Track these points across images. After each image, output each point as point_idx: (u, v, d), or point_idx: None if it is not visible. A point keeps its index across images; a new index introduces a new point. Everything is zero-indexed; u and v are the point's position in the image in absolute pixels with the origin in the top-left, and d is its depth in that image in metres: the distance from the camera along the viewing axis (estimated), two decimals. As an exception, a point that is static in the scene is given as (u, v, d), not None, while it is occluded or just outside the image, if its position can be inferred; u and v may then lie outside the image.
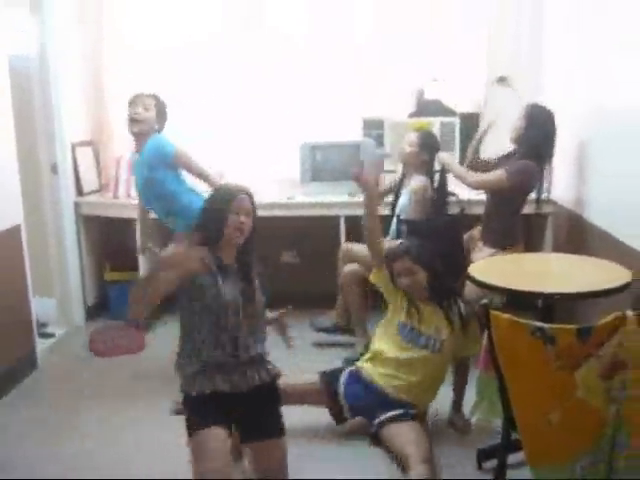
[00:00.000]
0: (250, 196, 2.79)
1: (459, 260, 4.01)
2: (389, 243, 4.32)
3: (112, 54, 5.28)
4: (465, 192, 4.48)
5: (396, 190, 4.46)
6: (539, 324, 2.24)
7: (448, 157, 4.39)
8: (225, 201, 2.74)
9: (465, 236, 4.38)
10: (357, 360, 3.63)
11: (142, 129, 3.89)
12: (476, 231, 4.39)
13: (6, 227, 4.10)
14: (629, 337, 2.24)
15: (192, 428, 2.66)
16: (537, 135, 4.00)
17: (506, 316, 2.27)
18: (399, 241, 4.05)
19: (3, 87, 4.18)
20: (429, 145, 4.35)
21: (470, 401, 2.90)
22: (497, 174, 4.01)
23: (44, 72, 4.75)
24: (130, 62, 5.25)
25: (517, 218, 4.18)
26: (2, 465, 3.26)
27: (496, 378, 2.43)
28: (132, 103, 3.93)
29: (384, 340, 3.46)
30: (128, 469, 3.20)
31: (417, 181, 4.28)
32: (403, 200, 4.32)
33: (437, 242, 3.99)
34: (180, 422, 2.77)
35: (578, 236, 4.19)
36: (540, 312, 3.03)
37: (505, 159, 4.21)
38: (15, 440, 3.49)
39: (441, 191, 4.35)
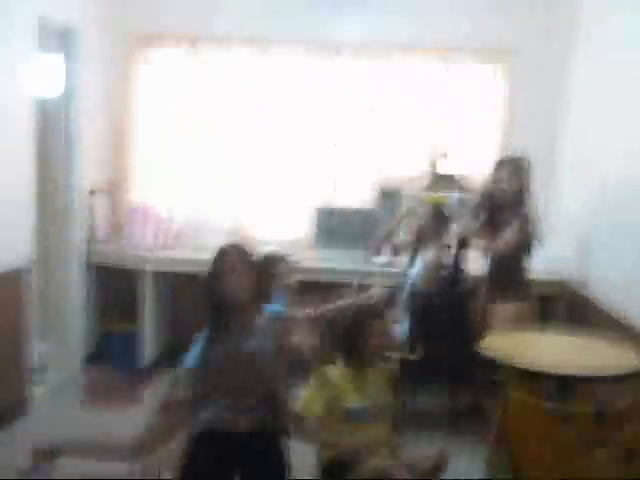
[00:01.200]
0: None
1: (467, 334, 3.98)
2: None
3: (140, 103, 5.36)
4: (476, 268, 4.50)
5: (409, 262, 4.51)
6: (555, 406, 2.20)
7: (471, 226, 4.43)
8: None
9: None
10: None
11: None
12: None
13: (13, 268, 4.09)
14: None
15: None
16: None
17: (522, 395, 2.23)
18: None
19: (28, 129, 4.25)
20: (442, 220, 4.41)
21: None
22: (515, 229, 4.06)
23: (67, 115, 4.81)
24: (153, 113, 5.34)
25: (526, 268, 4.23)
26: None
27: (507, 455, 2.38)
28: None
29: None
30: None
31: (430, 253, 4.33)
32: (415, 272, 4.34)
33: (447, 315, 4.02)
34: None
35: (587, 317, 4.17)
36: (557, 390, 2.96)
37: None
38: None
39: (456, 266, 4.35)
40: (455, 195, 4.99)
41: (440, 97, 5.24)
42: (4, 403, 4.10)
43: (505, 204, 4.20)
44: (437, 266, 4.38)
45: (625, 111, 3.91)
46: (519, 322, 3.86)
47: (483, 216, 4.38)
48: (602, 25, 4.50)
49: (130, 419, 4.25)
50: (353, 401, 2.88)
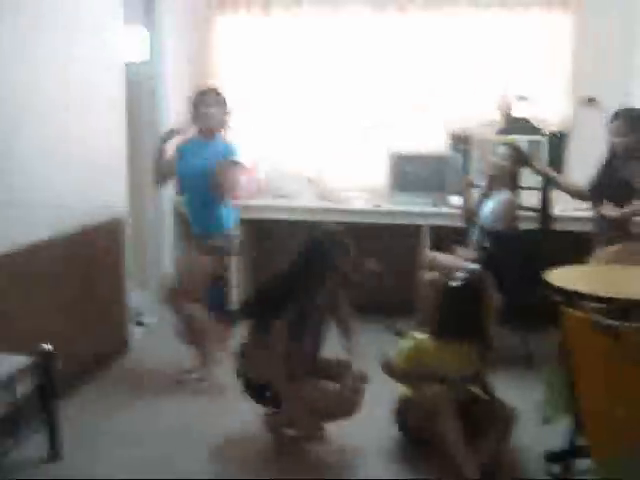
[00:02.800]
0: None
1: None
2: (466, 253, 4.49)
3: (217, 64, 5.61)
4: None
5: (480, 201, 4.61)
6: (604, 319, 2.34)
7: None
8: None
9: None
10: None
11: None
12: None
13: (110, 218, 4.45)
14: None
15: None
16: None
17: (574, 311, 2.38)
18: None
19: (120, 95, 4.58)
20: (519, 159, 4.50)
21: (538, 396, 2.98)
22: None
23: (153, 80, 5.16)
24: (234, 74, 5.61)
25: None
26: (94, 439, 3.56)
27: (565, 374, 2.54)
28: None
29: None
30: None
31: (504, 194, 4.44)
32: (487, 211, 4.46)
33: (521, 256, 4.12)
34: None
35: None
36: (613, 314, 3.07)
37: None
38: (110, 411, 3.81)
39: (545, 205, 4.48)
40: (529, 138, 5.08)
41: (509, 44, 5.27)
42: (108, 343, 4.50)
43: (624, 158, 4.04)
44: (513, 205, 4.48)
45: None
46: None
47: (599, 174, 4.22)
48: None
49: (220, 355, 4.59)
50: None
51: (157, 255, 5.36)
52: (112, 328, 4.57)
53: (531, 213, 4.72)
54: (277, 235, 5.48)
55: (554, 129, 5.21)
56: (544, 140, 5.09)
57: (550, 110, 5.25)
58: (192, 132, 4.24)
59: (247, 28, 5.56)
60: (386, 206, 5.13)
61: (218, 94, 4.19)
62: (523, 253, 4.43)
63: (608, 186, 4.13)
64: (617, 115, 4.09)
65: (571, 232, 4.69)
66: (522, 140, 5.03)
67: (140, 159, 5.09)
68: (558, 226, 4.75)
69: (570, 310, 2.36)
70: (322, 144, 5.58)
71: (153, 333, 5.09)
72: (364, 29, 5.43)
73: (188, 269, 4.27)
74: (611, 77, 5.10)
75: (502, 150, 4.52)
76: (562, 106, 5.23)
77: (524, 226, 4.60)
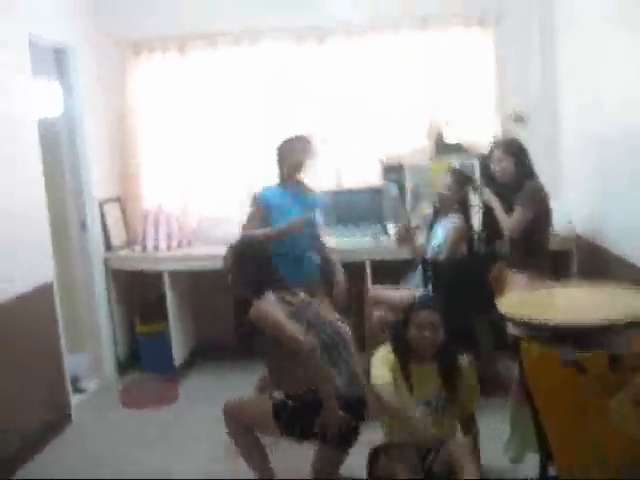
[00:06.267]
0: None
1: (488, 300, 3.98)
2: (405, 292, 4.39)
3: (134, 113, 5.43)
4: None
5: (428, 230, 4.54)
6: (568, 354, 2.26)
7: (492, 197, 4.39)
8: None
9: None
10: None
11: None
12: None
13: (38, 284, 4.20)
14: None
15: None
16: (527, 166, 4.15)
17: (537, 347, 2.29)
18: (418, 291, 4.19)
19: (34, 150, 4.35)
20: (466, 183, 4.46)
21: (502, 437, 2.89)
22: (519, 212, 4.05)
23: (71, 133, 4.92)
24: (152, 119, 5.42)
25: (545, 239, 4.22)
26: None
27: (529, 410, 2.45)
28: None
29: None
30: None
31: (456, 220, 4.35)
32: (437, 241, 4.37)
33: (466, 284, 4.05)
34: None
35: (603, 269, 4.19)
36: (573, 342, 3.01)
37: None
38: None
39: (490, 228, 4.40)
40: (460, 161, 5.05)
41: (431, 67, 5.21)
42: (48, 416, 4.23)
43: (505, 185, 4.20)
44: (459, 233, 4.36)
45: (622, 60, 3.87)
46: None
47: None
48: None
49: (168, 418, 4.38)
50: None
51: (90, 316, 5.10)
52: (51, 399, 4.32)
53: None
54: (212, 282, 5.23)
55: (484, 151, 5.17)
56: (475, 162, 5.06)
57: (479, 131, 5.21)
58: None
59: (163, 69, 5.39)
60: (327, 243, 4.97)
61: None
62: (469, 279, 4.34)
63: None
64: (496, 145, 4.32)
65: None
66: (454, 164, 5.03)
67: (64, 221, 4.87)
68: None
69: (532, 346, 2.26)
70: (246, 183, 5.34)
71: (95, 399, 4.85)
72: (284, 62, 5.30)
73: None
74: (536, 93, 5.11)
75: (446, 179, 4.45)
76: (490, 126, 5.19)
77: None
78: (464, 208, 4.43)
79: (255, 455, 3.17)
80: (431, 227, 4.53)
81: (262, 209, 4.18)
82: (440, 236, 4.37)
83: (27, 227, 4.18)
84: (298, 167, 4.22)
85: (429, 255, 4.41)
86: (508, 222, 4.12)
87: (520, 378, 2.44)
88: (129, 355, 5.40)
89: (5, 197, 3.96)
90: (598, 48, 4.17)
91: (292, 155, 4.20)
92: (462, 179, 4.46)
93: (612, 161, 4.09)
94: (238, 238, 3.77)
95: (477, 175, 4.97)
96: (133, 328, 5.35)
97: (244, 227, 4.21)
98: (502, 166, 4.19)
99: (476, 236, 4.49)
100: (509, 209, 4.15)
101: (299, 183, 4.31)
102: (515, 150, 4.20)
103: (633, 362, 2.25)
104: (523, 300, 3.43)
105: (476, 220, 4.56)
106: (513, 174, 4.16)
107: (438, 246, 4.34)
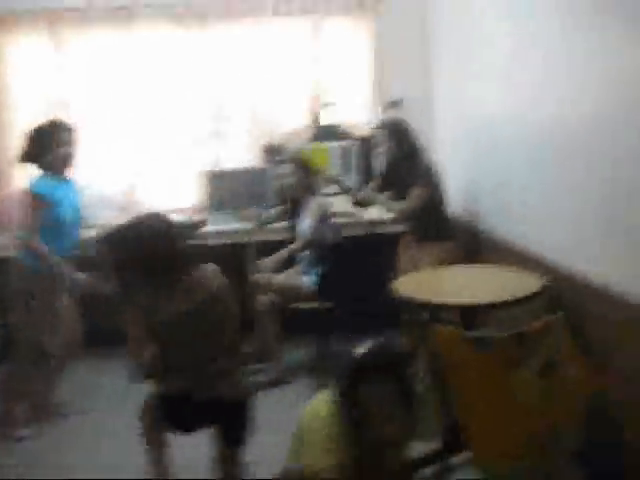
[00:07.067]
0: None
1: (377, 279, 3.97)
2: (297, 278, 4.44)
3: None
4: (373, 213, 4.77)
5: (290, 222, 4.61)
6: (478, 334, 2.37)
7: (369, 195, 4.60)
8: None
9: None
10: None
11: None
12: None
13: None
14: (558, 337, 2.42)
15: None
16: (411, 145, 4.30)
17: (449, 329, 2.39)
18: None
19: None
20: (306, 168, 4.56)
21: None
22: (416, 194, 4.18)
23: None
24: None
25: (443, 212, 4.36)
26: None
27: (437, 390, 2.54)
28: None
29: None
30: None
31: (315, 202, 4.46)
32: (304, 226, 4.44)
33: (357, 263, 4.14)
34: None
35: (484, 251, 4.37)
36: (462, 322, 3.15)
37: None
38: None
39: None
40: (339, 143, 5.14)
41: (309, 53, 5.27)
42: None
43: (394, 167, 4.34)
44: (324, 215, 4.48)
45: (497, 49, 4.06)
46: (447, 260, 4.03)
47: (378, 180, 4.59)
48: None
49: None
50: None
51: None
52: None
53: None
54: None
55: (363, 134, 5.29)
56: (355, 145, 5.16)
57: (358, 115, 5.31)
58: None
59: (33, 46, 5.09)
60: (209, 227, 4.91)
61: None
62: (352, 260, 4.44)
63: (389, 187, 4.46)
64: (382, 125, 4.47)
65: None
66: (333, 146, 5.12)
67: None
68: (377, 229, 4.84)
69: (442, 328, 2.35)
70: (136, 165, 5.23)
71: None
72: (163, 45, 5.17)
73: None
74: (412, 79, 5.26)
75: (287, 168, 4.53)
76: (369, 111, 5.31)
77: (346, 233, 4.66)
78: (316, 190, 4.56)
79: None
80: (293, 216, 4.61)
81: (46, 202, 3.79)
82: (306, 220, 4.45)
83: None
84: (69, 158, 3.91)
85: (302, 238, 4.46)
86: (403, 204, 4.22)
87: (429, 360, 2.50)
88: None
89: None
90: (473, 38, 4.36)
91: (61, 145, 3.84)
92: (302, 166, 4.55)
93: (482, 151, 4.31)
94: None
95: (354, 159, 5.11)
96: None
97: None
98: (386, 147, 4.32)
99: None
100: (398, 189, 4.30)
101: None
102: (397, 130, 4.33)
103: (533, 337, 2.40)
104: (418, 281, 3.58)
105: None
106: (396, 154, 4.29)
107: (305, 230, 4.43)
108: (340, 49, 5.29)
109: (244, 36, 5.21)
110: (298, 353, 4.74)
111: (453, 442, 2.63)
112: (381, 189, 4.58)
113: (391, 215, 4.56)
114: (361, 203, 4.82)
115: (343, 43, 5.28)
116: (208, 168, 5.17)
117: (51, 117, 4.01)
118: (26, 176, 4.77)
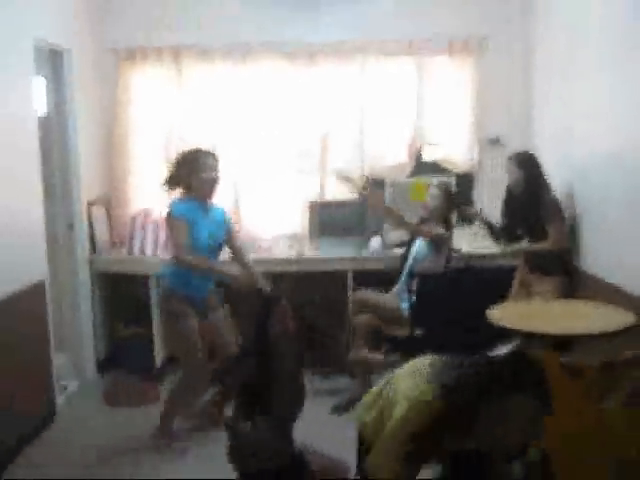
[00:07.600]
0: None
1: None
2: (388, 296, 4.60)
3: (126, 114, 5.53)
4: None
5: (408, 244, 4.74)
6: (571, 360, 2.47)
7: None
8: None
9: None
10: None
11: None
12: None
13: (32, 282, 4.25)
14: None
15: None
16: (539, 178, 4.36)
17: (553, 353, 2.50)
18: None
19: (33, 150, 4.43)
20: (452, 198, 4.73)
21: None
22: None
23: (62, 134, 4.98)
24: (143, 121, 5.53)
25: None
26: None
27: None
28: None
29: None
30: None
31: (440, 232, 4.58)
32: (420, 252, 4.59)
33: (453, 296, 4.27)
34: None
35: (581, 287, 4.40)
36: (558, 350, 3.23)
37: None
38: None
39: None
40: (437, 179, 5.29)
41: (415, 89, 5.47)
42: (33, 414, 4.27)
43: (518, 196, 4.41)
44: (447, 245, 4.63)
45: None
46: (561, 294, 4.15)
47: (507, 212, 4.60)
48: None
49: (148, 417, 4.43)
50: None
51: (73, 316, 5.15)
52: (38, 396, 4.37)
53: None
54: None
55: (461, 170, 5.44)
56: (452, 181, 5.30)
57: (457, 152, 5.47)
58: None
59: (157, 77, 5.52)
60: (310, 253, 5.16)
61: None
62: (451, 292, 4.54)
63: (518, 224, 4.47)
64: (509, 159, 4.49)
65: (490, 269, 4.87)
66: (431, 181, 5.27)
67: (52, 218, 4.92)
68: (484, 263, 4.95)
69: (546, 352, 2.47)
70: (239, 193, 5.55)
71: (77, 398, 4.90)
72: (274, 79, 5.48)
73: None
74: (513, 118, 5.40)
75: (433, 191, 4.67)
76: (468, 148, 5.46)
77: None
78: (447, 222, 4.67)
79: None
80: (412, 240, 4.75)
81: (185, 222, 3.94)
82: (423, 246, 4.59)
83: (23, 225, 4.23)
84: (213, 183, 4.08)
85: (410, 265, 4.62)
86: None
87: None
88: (110, 356, 5.45)
89: (3, 195, 3.98)
90: (573, 77, 4.48)
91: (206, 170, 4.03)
92: (449, 192, 4.71)
93: (586, 184, 4.36)
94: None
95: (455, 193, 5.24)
96: (115, 330, 5.42)
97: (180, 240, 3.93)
98: (514, 178, 4.40)
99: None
100: (524, 220, 4.38)
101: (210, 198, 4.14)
102: (526, 162, 4.39)
103: (622, 367, 2.48)
104: (518, 312, 3.68)
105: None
106: (524, 186, 4.35)
107: (420, 256, 4.57)
108: (443, 87, 5.46)
109: (351, 73, 5.47)
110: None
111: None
112: (503, 218, 4.63)
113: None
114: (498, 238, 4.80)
115: (446, 81, 5.46)
116: (312, 198, 5.43)
117: (196, 145, 4.26)
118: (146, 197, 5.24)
